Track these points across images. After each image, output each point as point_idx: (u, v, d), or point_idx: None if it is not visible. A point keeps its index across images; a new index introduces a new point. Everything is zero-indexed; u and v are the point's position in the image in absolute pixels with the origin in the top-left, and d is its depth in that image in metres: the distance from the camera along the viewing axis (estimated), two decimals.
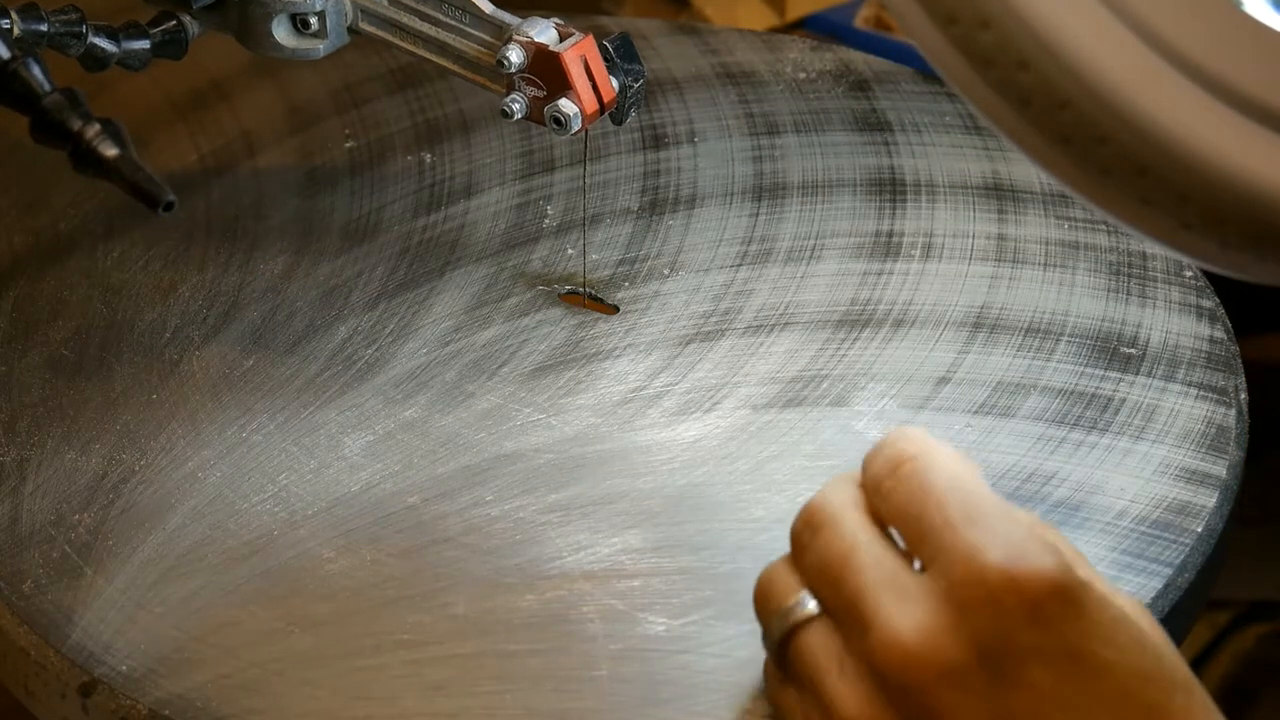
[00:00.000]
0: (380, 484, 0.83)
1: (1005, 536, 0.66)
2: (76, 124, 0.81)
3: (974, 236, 0.98)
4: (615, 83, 0.87)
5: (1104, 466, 0.84)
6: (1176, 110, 0.57)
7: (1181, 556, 0.80)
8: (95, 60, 0.89)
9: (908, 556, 0.68)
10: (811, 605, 0.69)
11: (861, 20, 1.36)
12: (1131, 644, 0.66)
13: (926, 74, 1.09)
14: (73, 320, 0.92)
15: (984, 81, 0.58)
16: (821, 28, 1.36)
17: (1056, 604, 0.65)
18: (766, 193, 1.01)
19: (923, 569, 0.67)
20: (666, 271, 0.96)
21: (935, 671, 0.66)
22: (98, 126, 0.81)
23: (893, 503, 0.69)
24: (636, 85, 0.88)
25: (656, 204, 1.00)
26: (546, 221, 0.99)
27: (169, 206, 0.79)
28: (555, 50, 0.85)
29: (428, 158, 1.04)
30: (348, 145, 1.05)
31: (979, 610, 0.65)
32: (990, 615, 0.65)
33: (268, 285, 0.95)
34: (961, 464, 0.69)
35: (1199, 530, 0.81)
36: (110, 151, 0.80)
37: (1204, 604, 0.84)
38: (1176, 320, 0.92)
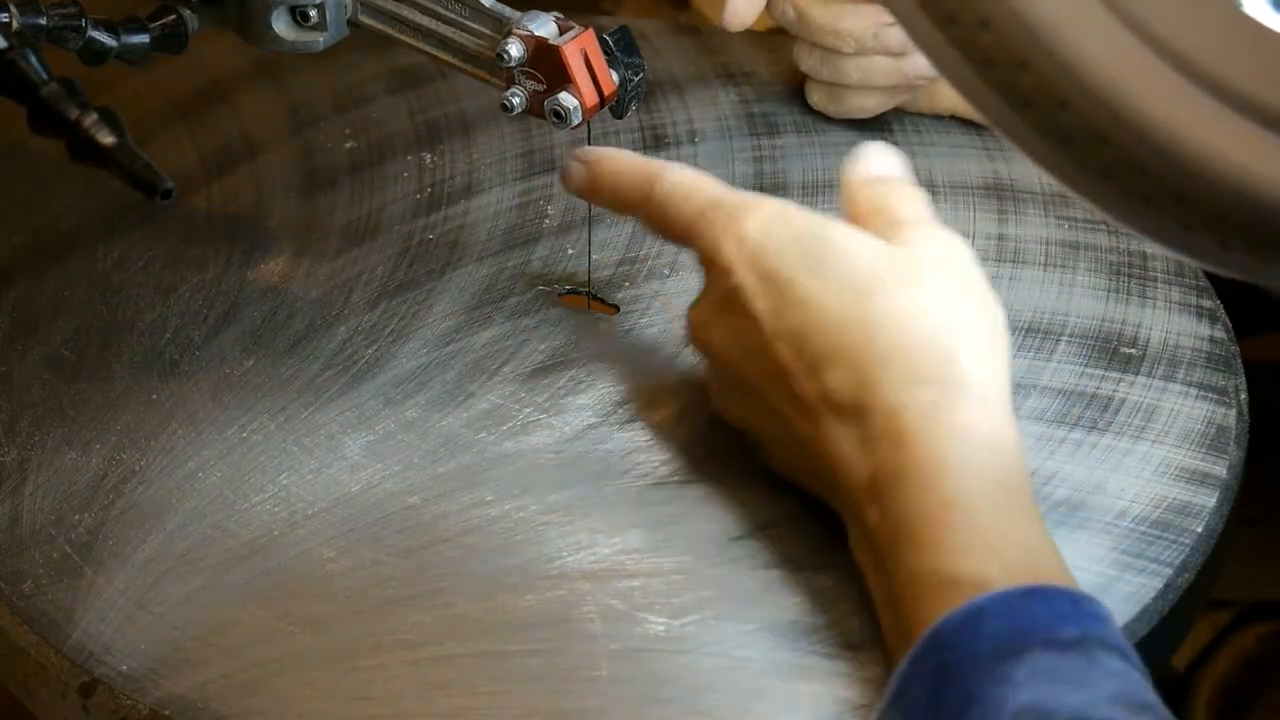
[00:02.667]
0: (380, 484, 0.83)
1: (745, 208, 0.82)
2: (74, 113, 0.81)
3: (974, 236, 0.98)
4: (615, 76, 0.87)
5: (1104, 466, 0.84)
6: (1176, 111, 0.57)
7: (1182, 556, 0.80)
8: (94, 54, 0.89)
9: None
10: None
11: None
12: (815, 249, 0.79)
13: None
14: (73, 320, 0.92)
15: (984, 82, 0.58)
16: None
17: (747, 244, 0.80)
18: (766, 192, 1.01)
19: None
20: (666, 271, 0.96)
21: (695, 332, 0.84)
22: (95, 115, 0.81)
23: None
24: (636, 79, 0.88)
25: None
26: (547, 221, 0.99)
27: (167, 194, 0.79)
28: (555, 44, 0.85)
29: (428, 158, 1.04)
30: (348, 145, 1.05)
31: (708, 269, 0.83)
32: (713, 273, 0.82)
33: (268, 285, 0.95)
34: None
35: (1199, 530, 0.81)
36: (108, 139, 0.80)
37: (1204, 604, 0.84)
38: (1177, 320, 0.92)
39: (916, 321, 0.77)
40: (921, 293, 0.77)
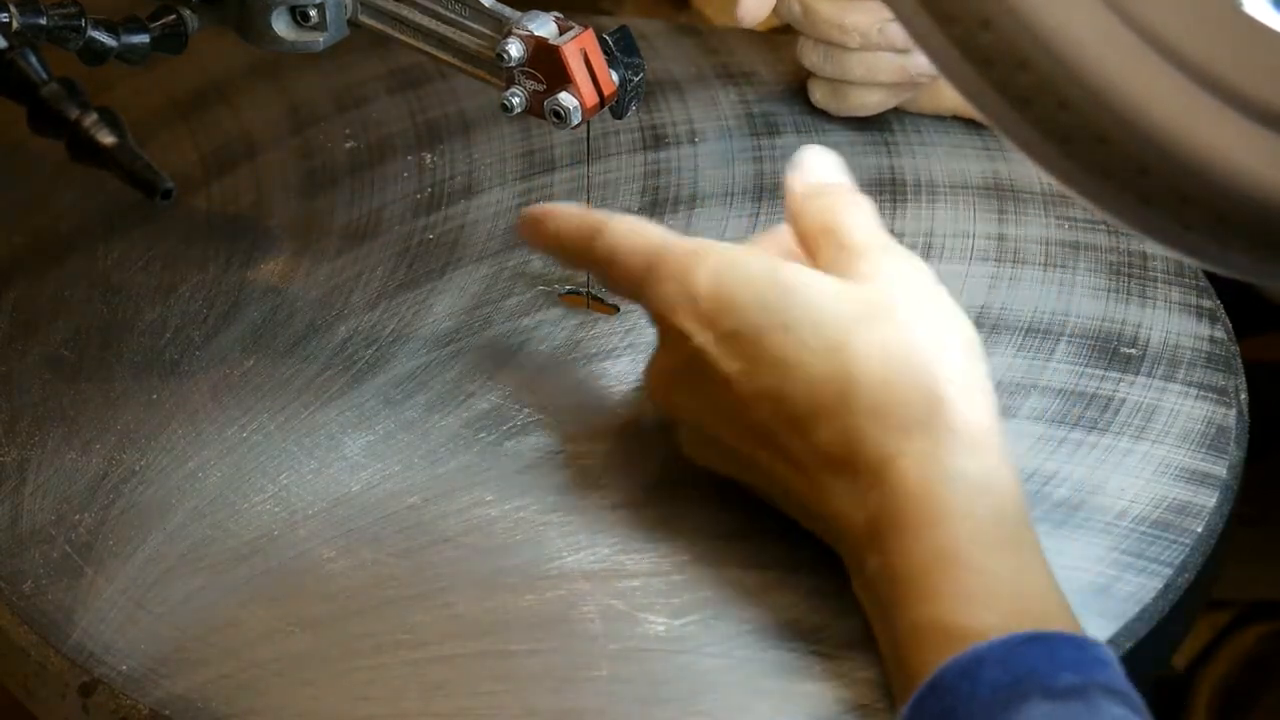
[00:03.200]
0: (380, 484, 0.83)
1: (680, 253, 0.80)
2: (74, 112, 0.80)
3: (974, 236, 0.98)
4: (615, 76, 0.87)
5: (1104, 466, 0.84)
6: (1177, 111, 0.57)
7: (1182, 556, 0.80)
8: (94, 54, 0.89)
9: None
10: None
11: None
12: (777, 302, 0.76)
13: None
14: (73, 320, 0.92)
15: (984, 81, 0.58)
16: None
17: (701, 304, 0.77)
18: (766, 193, 1.01)
19: None
20: None
21: (659, 396, 0.82)
22: (95, 115, 0.81)
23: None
24: (636, 79, 0.88)
25: (656, 204, 1.00)
26: None
27: (167, 194, 0.79)
28: (555, 44, 0.85)
29: (428, 158, 1.04)
30: (348, 145, 1.05)
31: (664, 337, 0.80)
32: (670, 339, 0.79)
33: (268, 285, 0.95)
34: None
35: (1199, 530, 0.81)
36: (108, 139, 0.80)
37: (1204, 604, 0.84)
38: (1177, 320, 0.92)
39: (895, 366, 0.75)
40: (893, 333, 0.75)
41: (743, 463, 0.79)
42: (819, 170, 0.82)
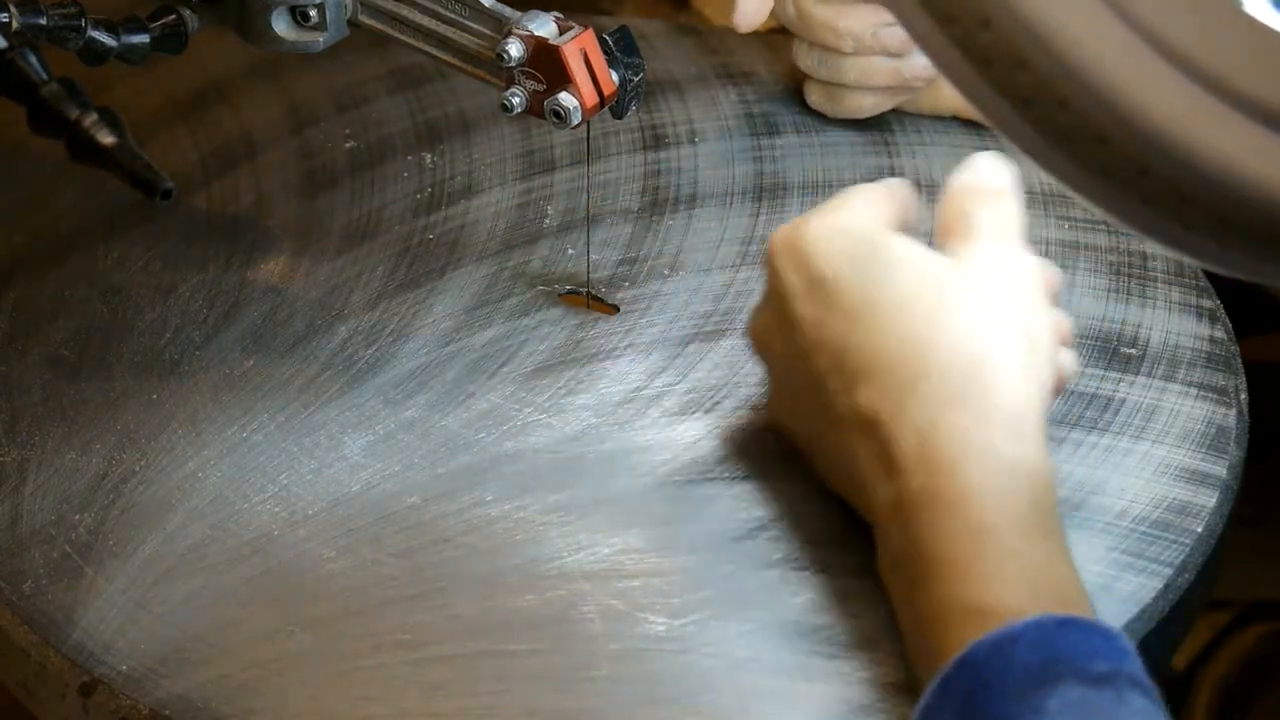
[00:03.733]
0: (380, 484, 0.83)
1: (808, 213, 0.81)
2: (74, 112, 0.81)
3: None
4: (615, 76, 0.87)
5: (1104, 466, 0.84)
6: (1177, 110, 0.57)
7: (1182, 556, 0.80)
8: (94, 54, 0.89)
9: None
10: None
11: None
12: (866, 259, 0.78)
13: None
14: (73, 320, 0.92)
15: (984, 81, 0.58)
16: None
17: (801, 246, 0.79)
18: (767, 193, 1.01)
19: None
20: (666, 271, 0.96)
21: (753, 334, 0.84)
22: (95, 115, 0.81)
23: None
24: (636, 79, 0.88)
25: (656, 204, 1.00)
26: (547, 221, 0.99)
27: (167, 194, 0.79)
28: (555, 44, 0.85)
29: (428, 158, 1.04)
30: (348, 145, 1.05)
31: (769, 272, 0.81)
32: (770, 272, 0.81)
33: (268, 285, 0.95)
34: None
35: (1199, 530, 0.81)
36: (108, 139, 0.80)
37: (1204, 604, 0.84)
38: (1177, 320, 0.92)
39: (955, 342, 0.76)
40: (964, 313, 0.77)
41: (799, 414, 0.81)
42: (987, 173, 0.82)
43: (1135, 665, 0.68)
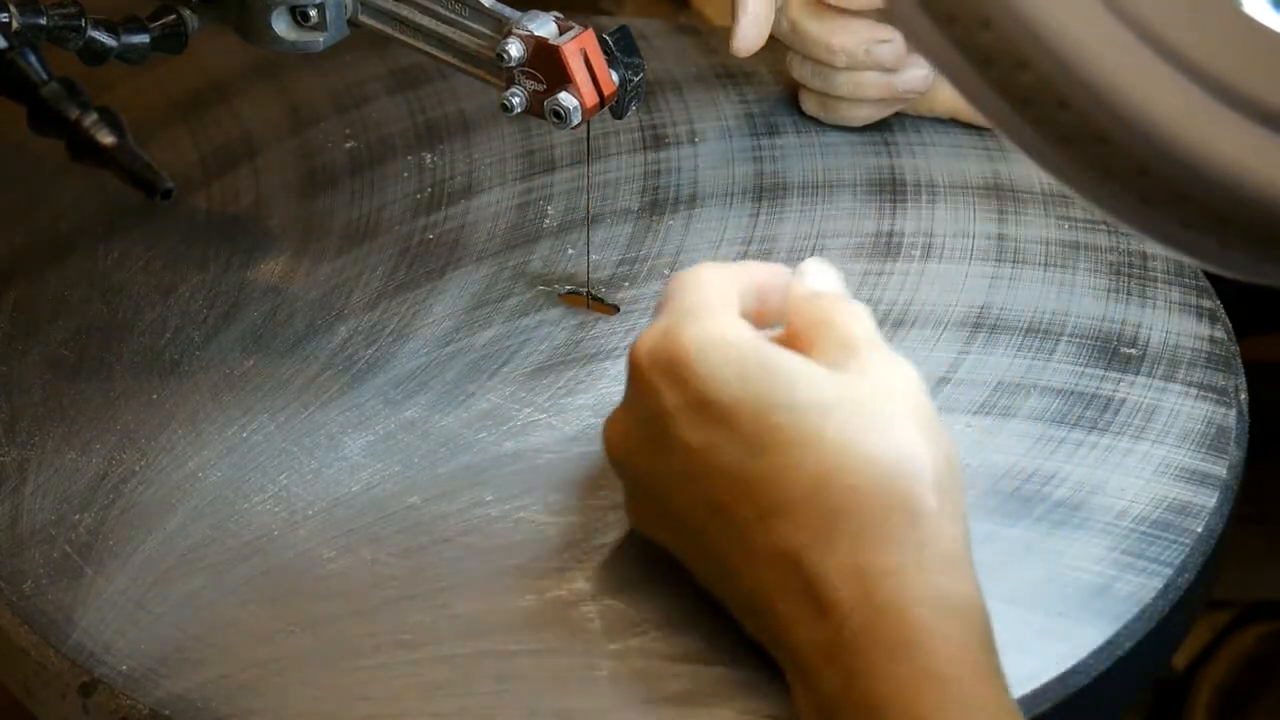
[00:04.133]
0: (380, 484, 0.83)
1: (671, 317, 0.75)
2: (74, 112, 0.81)
3: (974, 236, 0.98)
4: (615, 76, 0.87)
5: (1104, 466, 0.84)
6: (1176, 110, 0.57)
7: (1182, 557, 0.80)
8: (94, 54, 0.89)
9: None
10: None
11: None
12: (756, 377, 0.72)
13: None
14: (73, 320, 0.92)
15: (984, 81, 0.58)
16: None
17: (682, 363, 0.73)
18: (767, 193, 1.01)
19: None
20: (666, 271, 0.96)
21: (612, 451, 0.77)
22: (95, 115, 0.81)
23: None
24: (636, 79, 0.88)
25: (656, 204, 1.00)
26: (547, 221, 0.99)
27: (167, 194, 0.79)
28: (555, 44, 0.85)
29: (428, 158, 1.04)
30: (348, 145, 1.05)
31: (633, 386, 0.76)
32: (638, 389, 0.75)
33: (268, 285, 0.95)
34: (717, 280, 0.77)
35: (1199, 530, 0.81)
36: (108, 139, 0.80)
37: (1204, 604, 0.84)
38: (1177, 320, 0.92)
39: (876, 470, 0.70)
40: (876, 434, 0.71)
41: (689, 538, 0.75)
42: (822, 279, 0.78)
43: None
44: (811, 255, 0.95)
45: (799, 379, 0.72)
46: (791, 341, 0.76)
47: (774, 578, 0.71)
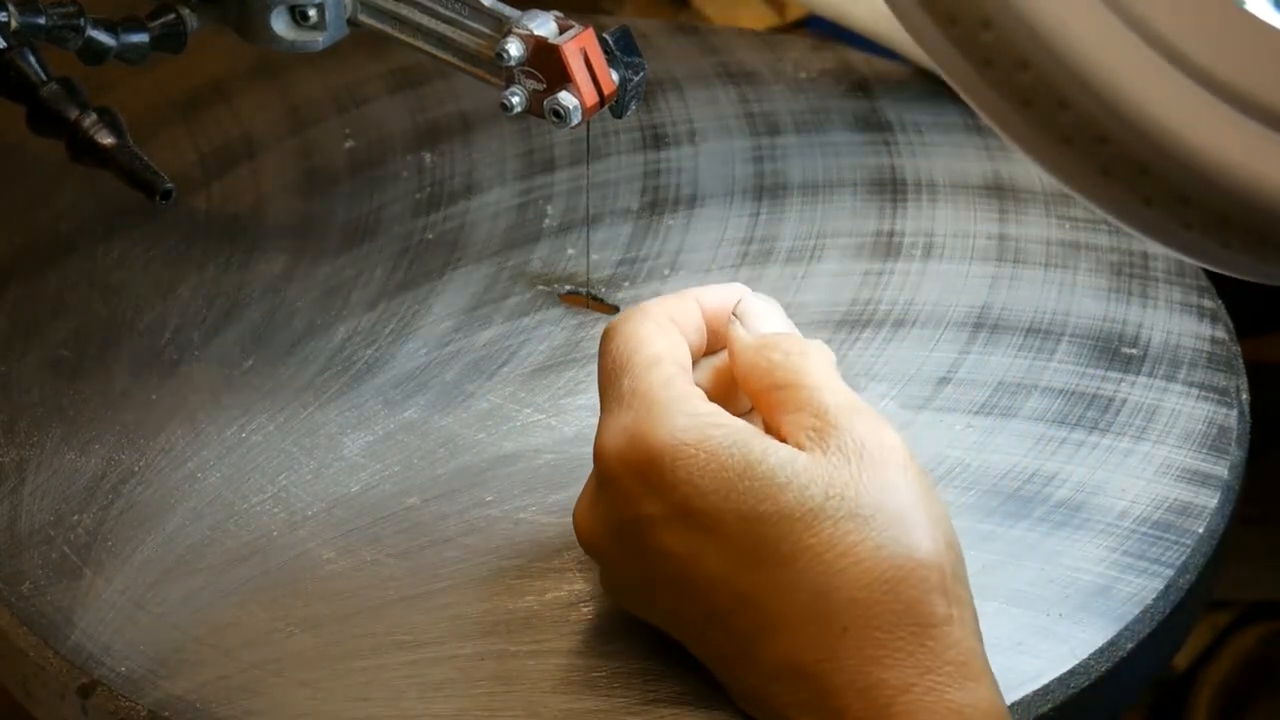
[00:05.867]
0: (380, 484, 0.83)
1: (634, 411, 0.70)
2: (74, 113, 0.80)
3: (975, 236, 0.98)
4: (615, 75, 0.87)
5: (1105, 467, 0.84)
6: (1178, 110, 0.57)
7: (1183, 557, 0.80)
8: (93, 53, 0.89)
9: None
10: None
11: None
12: (739, 487, 0.67)
13: (927, 74, 1.09)
14: (73, 320, 0.92)
15: (984, 81, 0.58)
16: (822, 27, 1.36)
17: (658, 471, 0.68)
18: (767, 193, 1.01)
19: None
20: (666, 271, 0.95)
21: (586, 543, 0.73)
22: (95, 115, 0.81)
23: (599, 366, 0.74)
24: (636, 78, 0.88)
25: (656, 204, 1.00)
26: (547, 221, 0.99)
27: (166, 195, 0.79)
28: (555, 43, 0.85)
29: (428, 158, 1.04)
30: (348, 145, 1.05)
31: (605, 487, 0.70)
32: (612, 492, 0.70)
33: (268, 285, 0.95)
34: (662, 340, 0.72)
35: (1200, 531, 0.81)
36: (107, 140, 0.80)
37: (1205, 605, 0.84)
38: (1178, 320, 0.92)
39: (880, 578, 0.66)
40: (874, 535, 0.66)
41: (682, 631, 0.72)
42: (764, 320, 0.73)
43: None
44: (813, 258, 0.95)
45: (783, 484, 0.67)
46: (751, 397, 0.72)
47: (782, 690, 0.68)
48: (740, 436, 0.68)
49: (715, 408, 0.70)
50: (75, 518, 0.82)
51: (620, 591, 0.74)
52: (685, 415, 0.69)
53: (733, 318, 0.73)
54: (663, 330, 0.73)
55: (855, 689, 0.66)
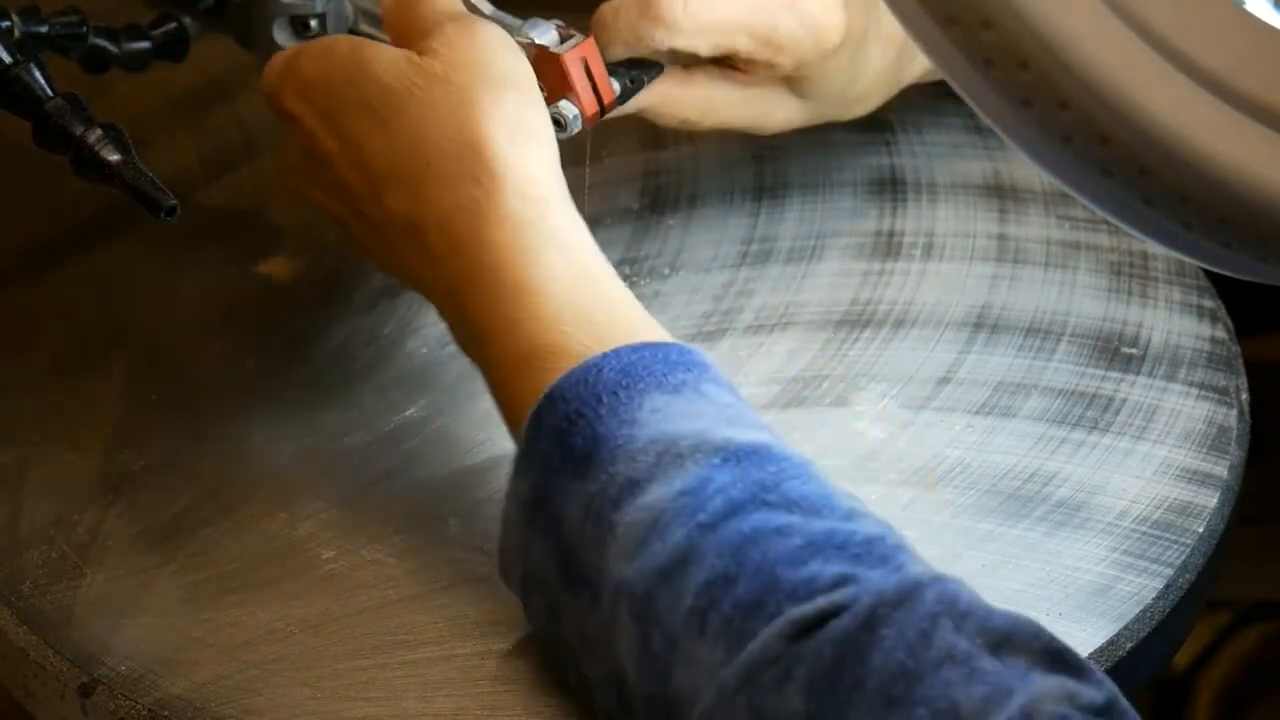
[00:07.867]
0: (380, 484, 0.83)
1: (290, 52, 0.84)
2: (79, 129, 0.81)
3: (975, 236, 0.97)
4: (616, 85, 0.87)
5: (1105, 467, 0.84)
6: (1178, 110, 0.57)
7: (1183, 557, 0.80)
8: (96, 62, 0.89)
9: None
10: None
11: None
12: (351, 82, 0.81)
13: None
14: (73, 320, 0.92)
15: (984, 81, 0.58)
16: None
17: (296, 72, 0.82)
18: (767, 192, 1.01)
19: None
20: (666, 271, 0.95)
21: (288, 178, 0.85)
22: (99, 131, 0.81)
23: None
24: (635, 88, 0.88)
25: (656, 204, 1.00)
26: None
27: (171, 211, 0.79)
28: (556, 52, 0.85)
29: None
30: None
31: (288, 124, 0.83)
32: (292, 124, 0.83)
33: (267, 285, 0.95)
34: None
35: (1200, 531, 0.81)
36: (112, 157, 0.80)
37: (1205, 605, 0.84)
38: (1178, 320, 0.92)
39: (448, 124, 0.78)
40: (449, 95, 0.79)
41: (354, 239, 0.83)
42: None
43: (712, 373, 0.74)
44: (813, 258, 0.95)
45: (381, 65, 0.80)
46: (394, 39, 0.83)
47: (400, 246, 0.80)
48: (355, 41, 0.82)
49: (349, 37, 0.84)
50: (75, 517, 0.82)
51: (336, 231, 0.85)
52: (319, 41, 0.84)
53: None
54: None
55: (440, 219, 0.78)
